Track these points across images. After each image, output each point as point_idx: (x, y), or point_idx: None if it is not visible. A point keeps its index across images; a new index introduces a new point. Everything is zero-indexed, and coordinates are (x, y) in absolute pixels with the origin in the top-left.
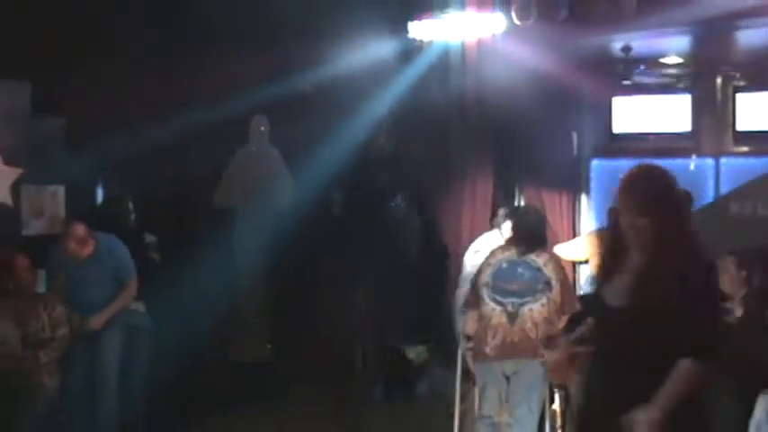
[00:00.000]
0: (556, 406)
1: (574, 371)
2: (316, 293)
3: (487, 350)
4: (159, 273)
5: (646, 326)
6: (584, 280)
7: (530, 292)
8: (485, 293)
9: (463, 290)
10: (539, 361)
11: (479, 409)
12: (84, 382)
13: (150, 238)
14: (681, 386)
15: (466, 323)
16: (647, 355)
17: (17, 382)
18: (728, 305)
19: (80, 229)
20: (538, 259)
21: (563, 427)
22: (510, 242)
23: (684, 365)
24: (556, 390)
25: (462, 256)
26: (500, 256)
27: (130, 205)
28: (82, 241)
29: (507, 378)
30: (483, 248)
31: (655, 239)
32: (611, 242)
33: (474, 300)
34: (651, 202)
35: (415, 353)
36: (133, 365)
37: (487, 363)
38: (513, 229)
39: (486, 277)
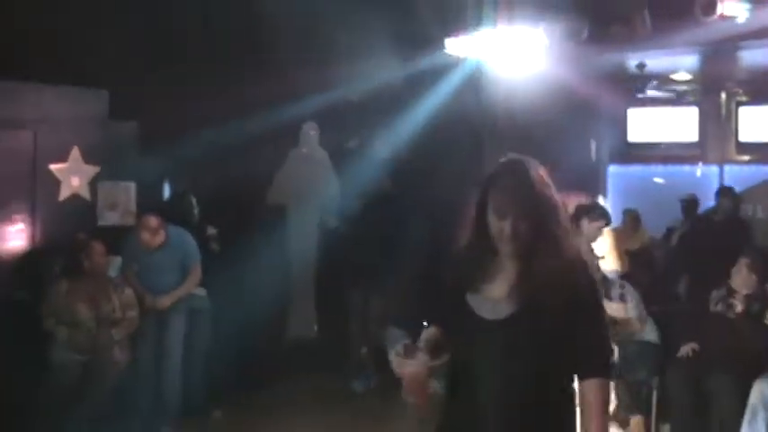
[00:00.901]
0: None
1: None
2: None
3: None
4: (219, 262)
5: (531, 340)
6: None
7: None
8: None
9: None
10: None
11: None
12: (152, 357)
13: (212, 230)
14: (604, 410)
15: None
16: (529, 371)
17: (92, 356)
18: (732, 300)
19: (153, 221)
20: None
21: None
22: None
23: (596, 389)
24: None
25: None
26: None
27: (193, 201)
28: (154, 231)
29: None
30: None
31: (538, 244)
32: (477, 247)
33: None
34: (536, 201)
35: None
36: (195, 343)
37: None
38: None
39: None
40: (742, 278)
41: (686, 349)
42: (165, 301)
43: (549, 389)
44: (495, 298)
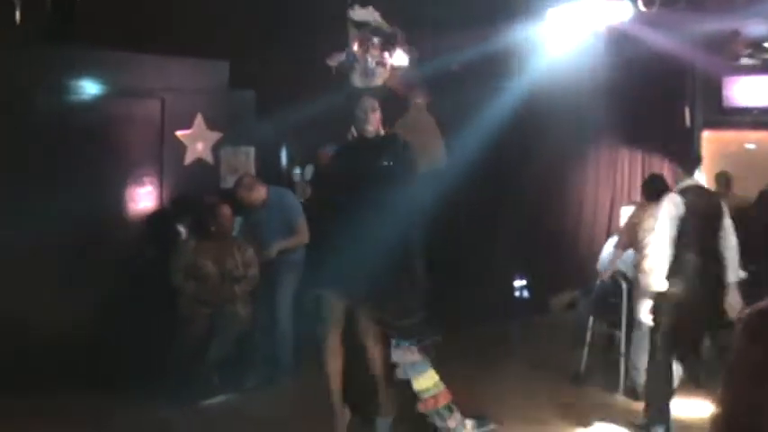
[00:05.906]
0: None
1: None
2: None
3: None
4: None
5: None
6: None
7: None
8: None
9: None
10: None
11: None
12: (266, 311)
13: None
14: None
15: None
16: None
17: (218, 309)
18: None
19: (246, 179)
20: None
21: None
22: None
23: None
24: None
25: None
26: (645, 212)
27: None
28: (248, 188)
29: None
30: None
31: None
32: None
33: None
34: None
35: None
36: None
37: None
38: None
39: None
40: None
41: None
42: (271, 252)
43: None
44: None
